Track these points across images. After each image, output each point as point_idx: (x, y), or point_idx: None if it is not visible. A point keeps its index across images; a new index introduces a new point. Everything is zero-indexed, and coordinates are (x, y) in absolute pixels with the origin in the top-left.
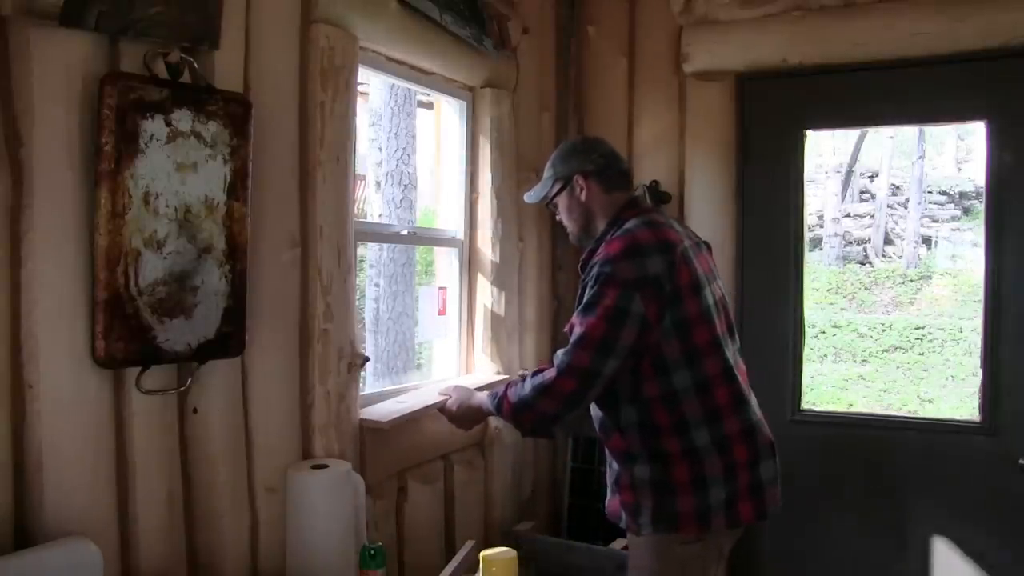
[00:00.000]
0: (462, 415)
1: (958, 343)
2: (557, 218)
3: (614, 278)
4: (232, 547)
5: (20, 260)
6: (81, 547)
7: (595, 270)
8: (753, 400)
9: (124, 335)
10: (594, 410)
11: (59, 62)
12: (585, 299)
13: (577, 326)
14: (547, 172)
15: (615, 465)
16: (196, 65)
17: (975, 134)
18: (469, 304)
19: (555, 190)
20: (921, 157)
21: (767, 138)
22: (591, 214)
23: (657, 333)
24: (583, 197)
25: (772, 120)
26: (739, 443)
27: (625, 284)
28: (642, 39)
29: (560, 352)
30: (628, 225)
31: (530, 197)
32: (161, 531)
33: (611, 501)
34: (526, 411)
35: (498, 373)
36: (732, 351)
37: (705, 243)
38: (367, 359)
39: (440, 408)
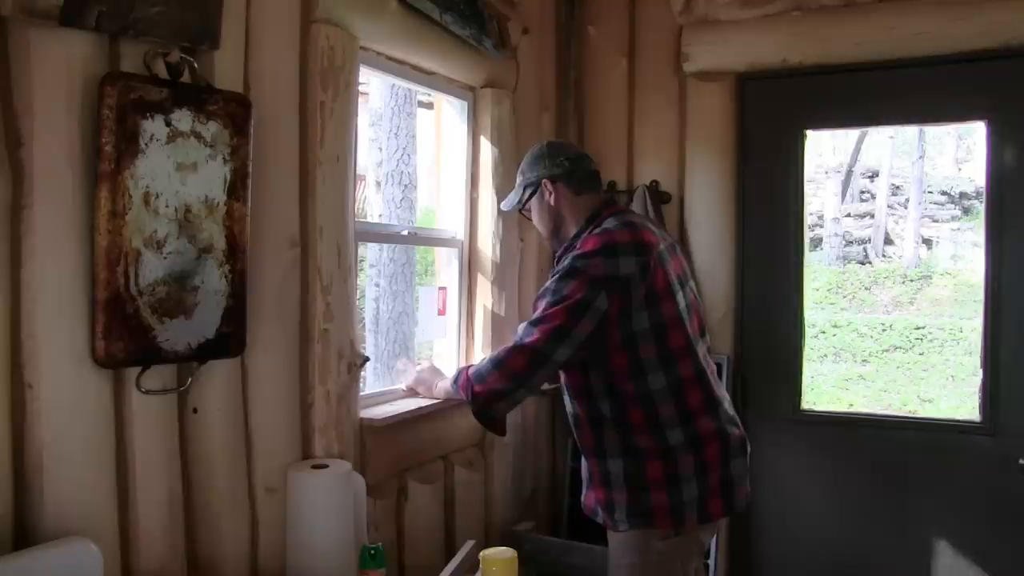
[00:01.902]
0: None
1: (958, 343)
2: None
3: (584, 273)
4: (232, 547)
5: (20, 260)
6: (81, 547)
7: (567, 262)
8: (725, 399)
9: (124, 335)
10: (568, 404)
11: (59, 62)
12: (551, 285)
13: (538, 309)
14: (518, 179)
15: (586, 461)
16: (196, 65)
17: (975, 134)
18: (469, 304)
19: (526, 196)
20: (921, 157)
21: (767, 138)
22: (560, 218)
23: (619, 332)
24: (552, 201)
25: (772, 120)
26: (711, 442)
27: (594, 280)
28: (642, 39)
29: (522, 326)
30: (607, 224)
31: (505, 205)
32: (161, 531)
33: (586, 496)
34: (478, 383)
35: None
36: (703, 352)
37: (677, 243)
38: (367, 359)
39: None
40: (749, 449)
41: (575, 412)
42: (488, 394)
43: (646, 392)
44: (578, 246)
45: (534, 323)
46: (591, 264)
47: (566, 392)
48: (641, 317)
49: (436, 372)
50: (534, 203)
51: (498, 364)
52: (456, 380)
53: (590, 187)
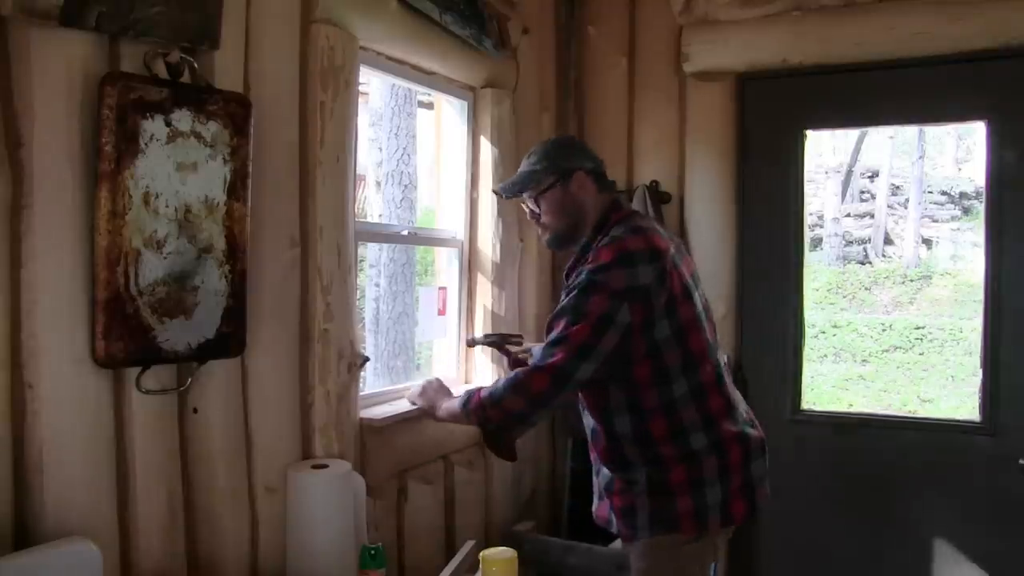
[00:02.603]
0: (421, 402)
1: (958, 343)
2: (533, 214)
3: (604, 287)
4: (232, 547)
5: (20, 260)
6: (81, 547)
7: (583, 276)
8: (741, 401)
9: (124, 335)
10: (586, 418)
11: (59, 62)
12: (569, 303)
13: (557, 329)
14: (538, 164)
15: (605, 471)
16: (196, 65)
17: (975, 134)
18: (469, 304)
19: (549, 182)
20: (921, 157)
21: (767, 138)
22: (583, 213)
23: (643, 343)
24: (581, 194)
25: (772, 120)
26: (733, 445)
27: (614, 293)
28: (642, 39)
29: (537, 348)
30: (616, 232)
31: (509, 189)
32: (161, 531)
33: (600, 506)
34: (493, 406)
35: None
36: (717, 355)
37: (683, 245)
38: (367, 359)
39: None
40: (767, 452)
41: (594, 427)
42: (504, 417)
43: (669, 400)
44: (590, 258)
45: (555, 343)
46: (611, 276)
47: (584, 408)
48: (663, 325)
49: (442, 390)
50: (554, 193)
51: (516, 386)
52: (467, 404)
53: (608, 188)
